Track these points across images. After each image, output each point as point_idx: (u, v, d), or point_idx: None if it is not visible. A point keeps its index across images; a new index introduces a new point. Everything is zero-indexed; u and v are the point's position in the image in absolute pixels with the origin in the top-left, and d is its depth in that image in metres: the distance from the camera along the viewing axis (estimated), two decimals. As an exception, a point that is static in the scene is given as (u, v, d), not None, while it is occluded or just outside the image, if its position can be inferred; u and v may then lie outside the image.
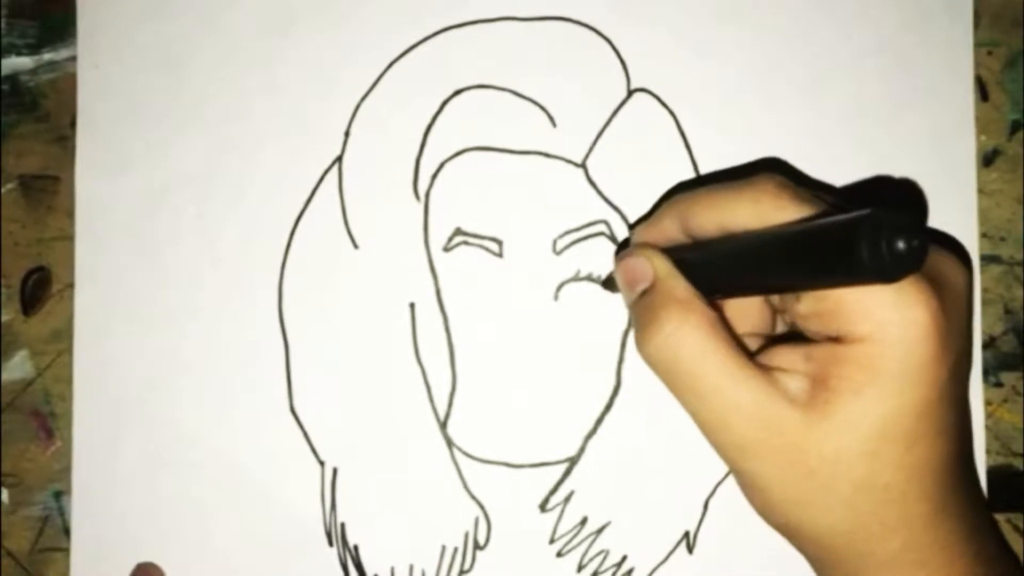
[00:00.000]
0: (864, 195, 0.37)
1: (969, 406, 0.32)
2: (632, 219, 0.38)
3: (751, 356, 0.30)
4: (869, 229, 0.22)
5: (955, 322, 0.27)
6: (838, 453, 0.27)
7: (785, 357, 0.29)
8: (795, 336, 0.30)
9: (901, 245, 0.22)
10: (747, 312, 0.32)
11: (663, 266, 0.30)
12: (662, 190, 0.38)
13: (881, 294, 0.26)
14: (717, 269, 0.29)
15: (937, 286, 0.27)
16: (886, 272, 0.23)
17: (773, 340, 0.31)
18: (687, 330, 0.28)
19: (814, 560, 0.31)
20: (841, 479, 0.28)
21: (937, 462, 0.28)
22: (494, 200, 0.38)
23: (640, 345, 0.30)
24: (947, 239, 0.37)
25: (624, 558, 0.37)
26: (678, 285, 0.29)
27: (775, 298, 0.31)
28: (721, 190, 0.30)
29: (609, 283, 0.36)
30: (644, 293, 0.30)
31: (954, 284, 0.28)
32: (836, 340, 0.27)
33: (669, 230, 0.32)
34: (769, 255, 0.27)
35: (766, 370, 0.28)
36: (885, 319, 0.26)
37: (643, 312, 0.30)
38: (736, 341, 0.29)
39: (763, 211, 0.28)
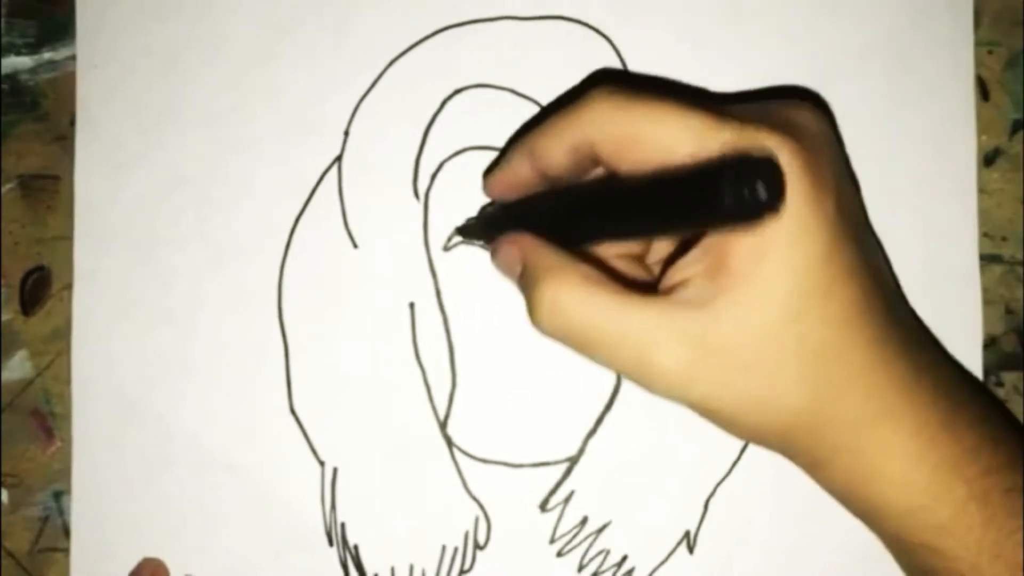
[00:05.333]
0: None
1: (877, 249, 0.32)
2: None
3: (653, 283, 0.30)
4: (731, 176, 0.23)
5: (822, 164, 0.27)
6: (762, 333, 0.27)
7: (679, 269, 0.28)
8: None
9: (761, 190, 0.23)
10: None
11: (526, 242, 0.30)
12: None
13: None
14: (580, 218, 0.29)
15: (796, 132, 0.27)
16: (748, 215, 0.23)
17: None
18: (563, 293, 0.28)
19: (797, 455, 0.30)
20: (778, 358, 0.27)
21: (861, 304, 0.28)
22: (494, 200, 0.38)
23: (533, 324, 0.30)
24: (801, 92, 0.37)
25: (624, 558, 0.37)
26: (543, 254, 0.30)
27: None
28: (559, 117, 0.30)
29: (466, 231, 0.37)
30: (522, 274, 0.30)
31: (810, 129, 0.28)
32: None
33: (522, 172, 0.32)
34: (631, 202, 0.27)
35: (666, 291, 0.28)
36: None
37: (524, 291, 0.30)
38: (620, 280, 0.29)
39: (601, 121, 0.29)
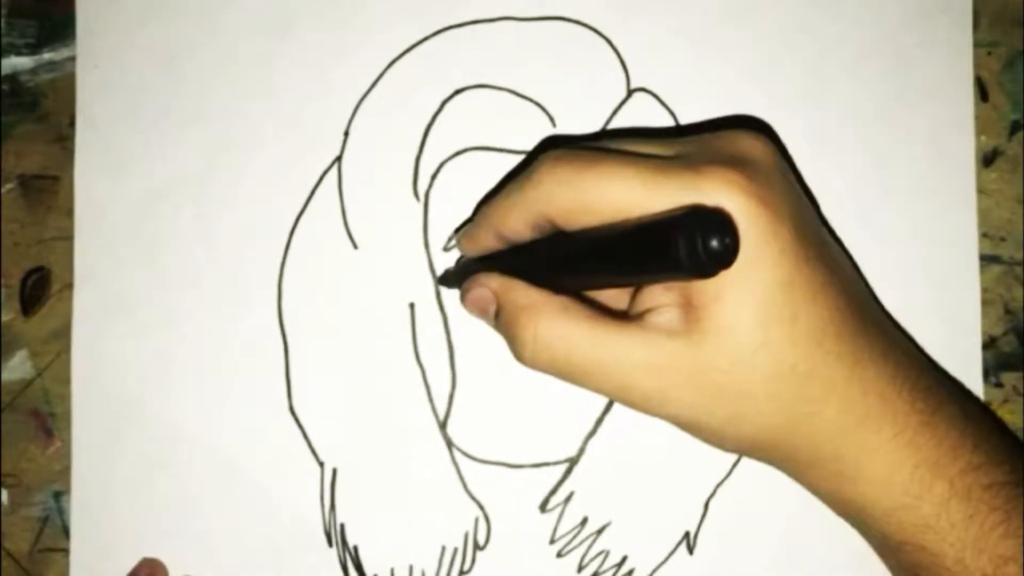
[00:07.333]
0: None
1: (845, 260, 0.32)
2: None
3: (625, 310, 0.31)
4: (686, 229, 0.23)
5: (775, 194, 0.28)
6: (733, 359, 0.28)
7: (650, 296, 0.29)
8: None
9: (715, 243, 0.23)
10: None
11: (499, 283, 0.31)
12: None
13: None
14: (551, 270, 0.31)
15: (743, 165, 0.28)
16: (702, 268, 0.24)
17: None
18: (543, 329, 0.29)
19: (781, 464, 0.31)
20: (750, 381, 0.28)
21: (830, 322, 0.28)
22: (494, 200, 0.38)
23: (519, 361, 0.31)
24: (745, 120, 0.38)
25: (624, 558, 0.37)
26: (518, 294, 0.30)
27: None
28: (512, 194, 0.31)
29: (446, 280, 0.38)
30: (497, 315, 0.31)
31: (760, 159, 0.29)
32: None
33: (488, 242, 0.33)
34: (592, 259, 0.29)
35: (639, 318, 0.29)
36: None
37: (504, 331, 0.31)
38: (597, 306, 0.30)
39: (548, 197, 0.30)
